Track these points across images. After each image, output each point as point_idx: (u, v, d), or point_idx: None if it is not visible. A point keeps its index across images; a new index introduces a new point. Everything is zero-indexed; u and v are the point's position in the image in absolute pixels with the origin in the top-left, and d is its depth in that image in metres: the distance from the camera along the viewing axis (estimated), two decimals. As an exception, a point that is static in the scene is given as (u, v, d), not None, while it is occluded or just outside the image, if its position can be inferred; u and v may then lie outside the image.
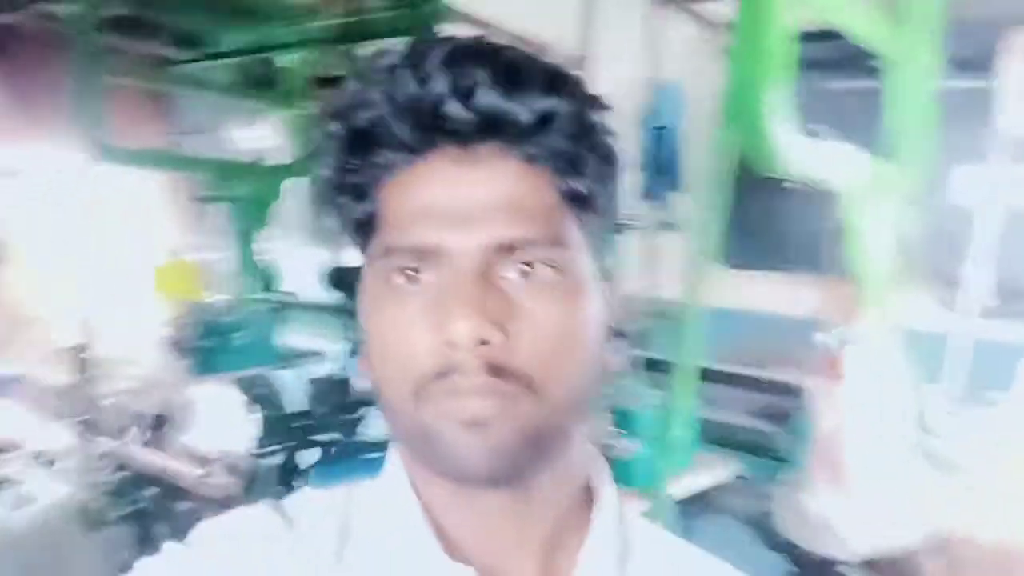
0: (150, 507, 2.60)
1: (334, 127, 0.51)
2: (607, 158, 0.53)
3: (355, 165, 0.51)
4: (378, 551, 0.54)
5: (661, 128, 3.49)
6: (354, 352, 3.15)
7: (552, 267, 0.49)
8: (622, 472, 2.06)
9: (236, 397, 3.44)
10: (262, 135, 3.80)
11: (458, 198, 0.48)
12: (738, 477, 2.42)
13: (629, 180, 3.59)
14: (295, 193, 3.81)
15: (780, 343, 2.82)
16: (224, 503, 2.57)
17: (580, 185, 0.51)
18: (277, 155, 3.79)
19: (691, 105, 3.51)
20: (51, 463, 2.70)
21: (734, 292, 3.03)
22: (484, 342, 0.46)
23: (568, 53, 2.84)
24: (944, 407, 2.27)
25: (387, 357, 0.50)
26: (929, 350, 2.34)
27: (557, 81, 0.50)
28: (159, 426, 2.84)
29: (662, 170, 3.52)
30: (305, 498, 0.59)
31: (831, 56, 2.80)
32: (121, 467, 2.63)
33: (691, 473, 2.30)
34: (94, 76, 2.84)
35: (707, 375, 2.59)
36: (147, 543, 2.51)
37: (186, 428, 2.86)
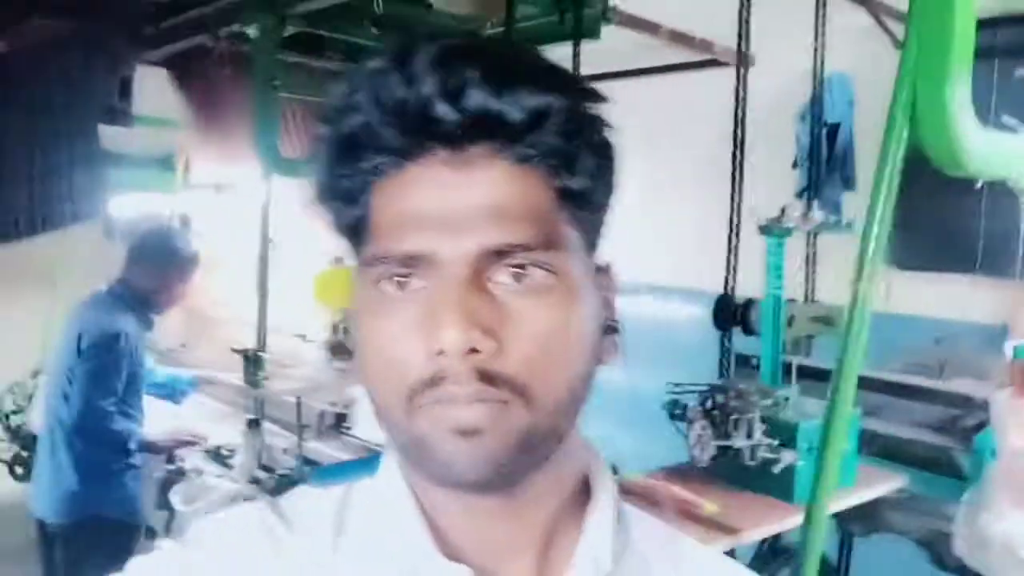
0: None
1: (323, 131, 0.51)
2: (603, 152, 0.52)
3: (345, 171, 0.51)
4: (374, 551, 0.54)
5: (832, 124, 3.33)
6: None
7: (545, 270, 0.48)
8: (779, 485, 1.97)
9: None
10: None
11: (449, 204, 0.47)
12: (905, 493, 2.26)
13: (792, 178, 3.45)
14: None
15: (962, 351, 2.63)
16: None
17: (575, 183, 0.50)
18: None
19: (863, 99, 3.33)
20: (227, 458, 2.87)
21: (909, 296, 2.85)
22: (474, 350, 0.46)
23: (729, 48, 2.76)
24: None
25: (378, 365, 0.49)
26: None
27: (549, 77, 0.49)
28: (337, 424, 2.99)
29: (832, 168, 3.36)
30: (302, 497, 0.59)
31: (1018, 41, 2.58)
32: (306, 462, 2.77)
33: (856, 488, 2.18)
34: (272, 93, 3.03)
35: (876, 385, 2.47)
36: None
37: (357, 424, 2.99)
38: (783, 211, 2.16)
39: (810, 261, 2.88)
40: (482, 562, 0.52)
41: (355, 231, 0.52)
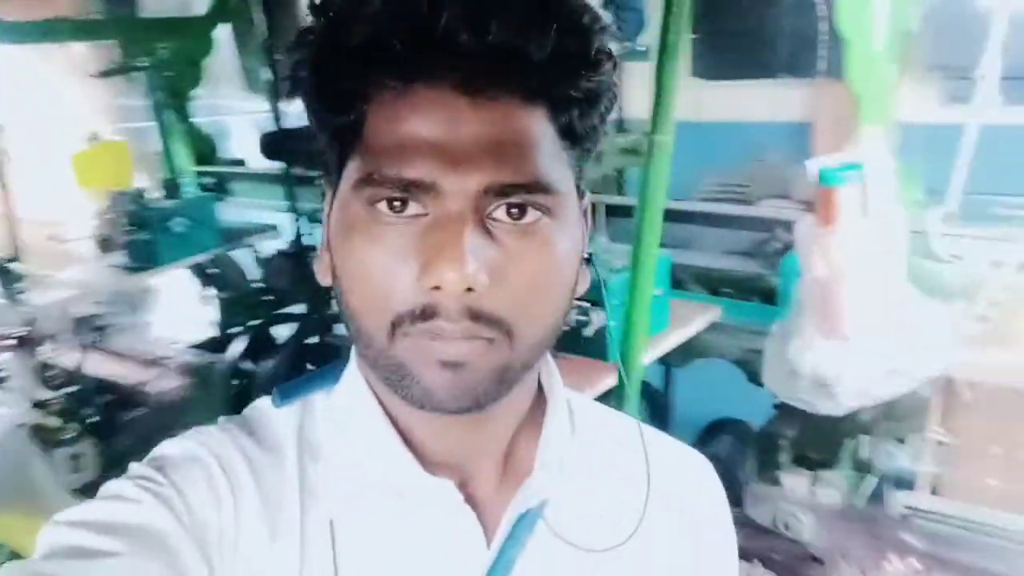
0: (104, 417, 2.47)
1: (320, 27, 0.47)
2: (608, 95, 0.51)
3: (344, 75, 0.47)
4: (354, 470, 0.55)
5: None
6: (312, 220, 2.93)
7: (541, 211, 0.48)
8: (593, 348, 1.87)
9: (190, 283, 3.26)
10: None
11: (458, 135, 0.46)
12: (721, 322, 2.24)
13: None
14: (226, 44, 3.43)
15: (769, 164, 2.56)
16: (177, 407, 2.45)
17: (578, 124, 0.50)
18: (196, 5, 3.37)
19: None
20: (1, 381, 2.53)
21: (717, 105, 2.74)
22: (469, 289, 0.46)
23: None
24: (948, 228, 2.03)
25: (363, 287, 0.48)
26: (933, 155, 2.07)
27: (574, 17, 0.47)
28: (101, 328, 2.66)
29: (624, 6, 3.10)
30: (265, 415, 0.58)
31: None
32: (71, 378, 2.48)
33: (672, 328, 2.12)
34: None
35: (682, 216, 2.38)
36: (108, 457, 2.40)
37: (136, 328, 2.69)
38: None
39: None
40: (454, 470, 0.55)
41: (343, 138, 0.50)
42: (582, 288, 0.55)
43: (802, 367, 1.85)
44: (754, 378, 2.26)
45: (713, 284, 2.35)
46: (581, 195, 0.54)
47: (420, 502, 0.54)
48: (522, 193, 0.47)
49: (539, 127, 0.48)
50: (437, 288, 0.46)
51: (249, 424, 0.58)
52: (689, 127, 2.54)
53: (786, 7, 2.29)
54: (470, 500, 0.55)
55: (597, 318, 1.84)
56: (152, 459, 0.54)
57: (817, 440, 2.12)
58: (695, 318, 2.23)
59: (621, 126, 2.68)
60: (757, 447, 2.30)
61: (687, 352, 2.36)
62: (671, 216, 2.38)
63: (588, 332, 1.86)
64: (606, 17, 0.49)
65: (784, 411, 2.16)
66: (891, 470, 2.09)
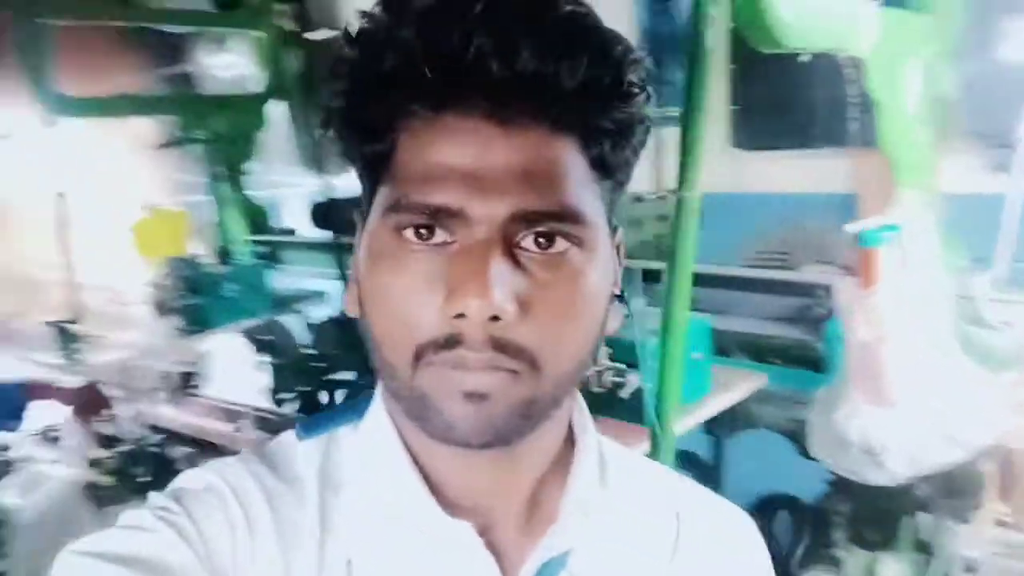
0: (156, 474, 2.51)
1: (353, 55, 0.47)
2: (640, 127, 0.50)
3: (374, 104, 0.48)
4: (370, 507, 0.54)
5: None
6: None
7: (571, 241, 0.47)
8: (629, 411, 1.86)
9: (244, 348, 3.33)
10: (231, 63, 3.51)
11: (486, 161, 0.46)
12: (767, 390, 2.21)
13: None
14: (280, 120, 3.57)
15: (809, 231, 2.56)
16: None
17: (610, 156, 0.49)
18: (251, 83, 3.53)
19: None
20: (55, 440, 2.60)
21: (756, 175, 2.75)
22: (495, 318, 0.45)
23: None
24: (997, 294, 2.00)
25: (388, 315, 0.48)
26: (977, 223, 2.06)
27: (606, 47, 0.47)
28: (185, 385, 2.73)
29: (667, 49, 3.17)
30: (288, 448, 0.57)
31: None
32: (129, 435, 2.53)
33: (715, 393, 2.10)
34: (38, 25, 2.60)
35: (723, 281, 2.38)
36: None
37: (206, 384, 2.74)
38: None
39: (658, 151, 2.72)
40: (477, 512, 0.53)
41: (373, 167, 0.50)
42: (612, 326, 0.54)
43: (849, 435, 1.82)
44: (804, 450, 2.22)
45: (758, 351, 2.33)
46: (613, 230, 0.54)
47: (439, 544, 0.53)
48: (550, 221, 0.47)
49: (569, 157, 0.48)
50: (462, 316, 0.45)
51: (270, 456, 0.57)
52: (731, 198, 2.57)
53: (825, 76, 2.32)
54: (492, 544, 0.54)
55: (633, 380, 1.84)
56: (171, 490, 0.54)
57: (873, 517, 2.06)
58: (739, 384, 2.20)
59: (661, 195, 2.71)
60: (811, 525, 2.24)
61: (733, 422, 2.33)
62: (712, 281, 2.39)
63: (624, 394, 1.86)
64: (640, 52, 0.49)
65: (837, 485, 2.10)
66: (955, 553, 2.00)
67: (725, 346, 2.31)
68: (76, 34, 2.98)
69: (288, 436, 0.58)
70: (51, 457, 2.60)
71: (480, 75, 0.45)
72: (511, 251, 0.46)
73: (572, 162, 0.48)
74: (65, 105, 2.73)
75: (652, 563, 0.57)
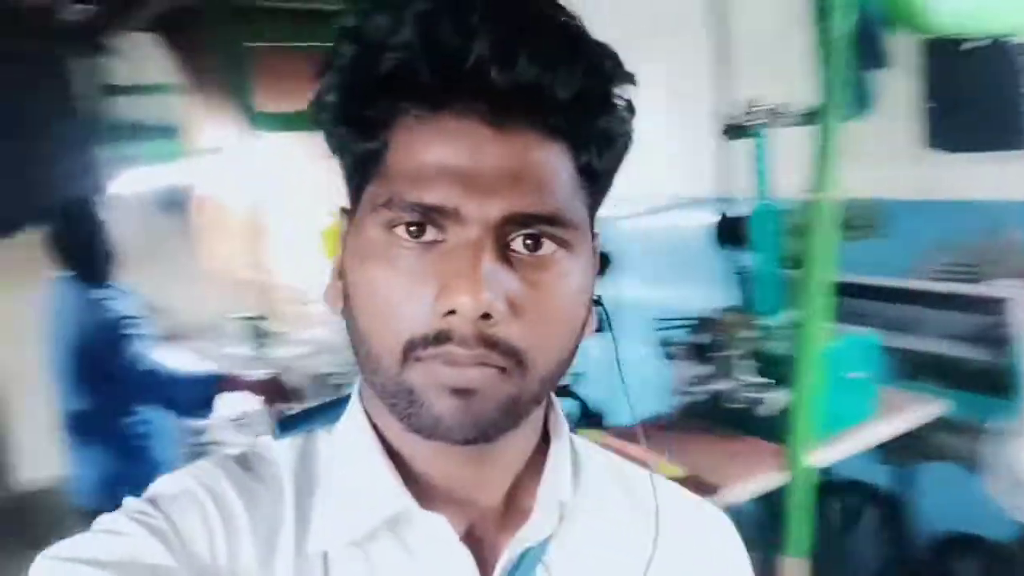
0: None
1: (350, 51, 0.48)
2: (626, 139, 0.52)
3: (370, 102, 0.48)
4: (345, 501, 0.54)
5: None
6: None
7: (557, 244, 0.49)
8: (769, 427, 1.73)
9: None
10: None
11: (481, 163, 0.47)
12: (949, 418, 1.98)
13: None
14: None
15: (1007, 241, 2.26)
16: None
17: (596, 163, 0.51)
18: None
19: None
20: (246, 427, 2.83)
21: (945, 179, 2.48)
22: (486, 316, 0.46)
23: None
24: None
25: (378, 310, 0.49)
26: None
27: (599, 59, 0.49)
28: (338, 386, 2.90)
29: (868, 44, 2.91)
30: (265, 448, 0.58)
31: None
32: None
33: (882, 417, 1.91)
34: (238, 48, 2.87)
35: (897, 294, 2.16)
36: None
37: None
38: (749, 107, 1.84)
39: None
40: (455, 507, 0.54)
41: (364, 165, 0.50)
42: (590, 330, 0.55)
43: (1028, 472, 1.58)
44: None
45: (937, 373, 2.08)
46: (593, 235, 0.54)
47: (415, 536, 0.53)
48: (541, 224, 0.48)
49: (560, 162, 0.49)
50: (452, 313, 0.46)
51: (246, 458, 0.57)
52: (921, 204, 2.32)
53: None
54: (469, 537, 0.54)
55: (772, 397, 1.70)
56: (147, 495, 0.54)
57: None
58: (912, 409, 1.99)
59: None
60: (999, 569, 1.98)
61: (908, 452, 2.10)
62: (885, 294, 2.17)
63: (762, 412, 1.72)
64: (624, 63, 0.51)
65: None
66: None
67: (900, 367, 2.09)
68: (274, 54, 3.26)
69: (265, 438, 0.59)
70: (241, 442, 2.84)
71: (479, 80, 0.46)
72: (502, 251, 0.47)
73: (562, 167, 0.49)
74: (265, 121, 3.00)
75: (630, 560, 0.58)
